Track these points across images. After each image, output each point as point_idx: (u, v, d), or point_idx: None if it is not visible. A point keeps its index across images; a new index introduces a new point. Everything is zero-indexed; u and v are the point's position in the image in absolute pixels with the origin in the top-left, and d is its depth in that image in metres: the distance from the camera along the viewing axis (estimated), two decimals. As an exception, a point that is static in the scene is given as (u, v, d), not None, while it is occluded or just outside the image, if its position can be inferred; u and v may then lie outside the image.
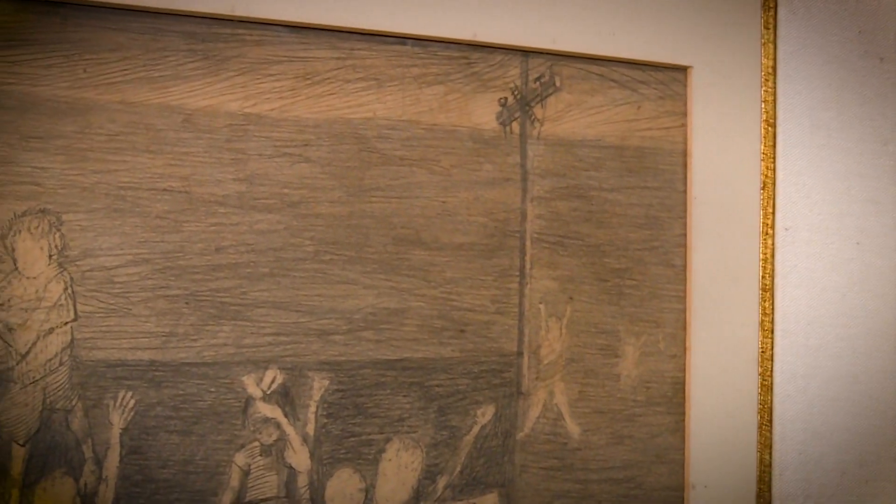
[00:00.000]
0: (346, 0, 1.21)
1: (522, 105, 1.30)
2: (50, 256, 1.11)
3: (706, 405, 1.38)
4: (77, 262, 1.11)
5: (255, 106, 1.18)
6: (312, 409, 1.20)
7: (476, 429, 1.28)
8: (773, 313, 1.39)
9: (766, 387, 1.39)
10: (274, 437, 1.19)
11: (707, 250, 1.38)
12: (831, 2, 1.44)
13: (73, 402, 1.12)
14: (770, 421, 1.38)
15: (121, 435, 1.12)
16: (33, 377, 1.10)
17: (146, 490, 1.13)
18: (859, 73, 1.44)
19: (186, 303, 1.15)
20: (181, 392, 1.15)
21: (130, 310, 1.13)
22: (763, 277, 1.39)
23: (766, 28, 1.40)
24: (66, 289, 1.12)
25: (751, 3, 1.42)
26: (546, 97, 1.31)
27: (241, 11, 1.15)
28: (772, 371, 1.39)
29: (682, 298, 1.37)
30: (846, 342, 1.44)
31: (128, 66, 1.13)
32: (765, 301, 1.38)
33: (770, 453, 1.38)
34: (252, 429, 1.18)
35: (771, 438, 1.38)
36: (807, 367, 1.42)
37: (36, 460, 1.10)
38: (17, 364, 1.10)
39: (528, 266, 1.30)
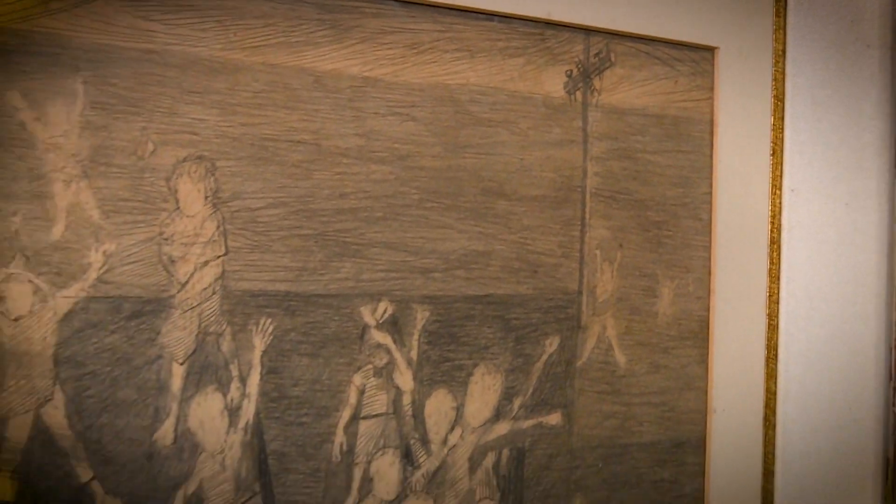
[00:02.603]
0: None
1: (584, 77, 1.61)
2: (206, 198, 1.37)
3: (725, 340, 1.71)
4: (228, 204, 1.38)
5: (372, 70, 1.46)
6: (415, 337, 1.50)
7: (545, 357, 1.59)
8: (779, 262, 1.74)
9: (773, 326, 1.73)
10: (384, 360, 1.48)
11: (728, 207, 1.71)
12: (829, -5, 1.74)
13: (223, 327, 1.38)
14: (776, 356, 1.73)
15: (261, 356, 1.40)
16: (191, 304, 1.36)
17: (281, 405, 1.40)
18: (850, 58, 1.79)
19: (315, 241, 1.42)
20: (311, 320, 1.43)
21: (270, 246, 1.40)
22: (772, 231, 1.74)
23: (778, 16, 1.74)
24: (218, 227, 1.38)
25: (766, -7, 1.73)
26: (603, 70, 1.63)
27: (364, -14, 1.39)
28: (778, 313, 1.74)
29: (707, 248, 1.71)
30: (837, 288, 1.79)
31: (270, 32, 1.40)
32: (773, 252, 1.73)
33: (775, 383, 1.73)
34: (367, 353, 1.46)
35: (776, 370, 1.73)
36: (807, 309, 1.77)
37: (192, 377, 1.36)
38: (178, 292, 1.35)
39: (587, 217, 1.61)
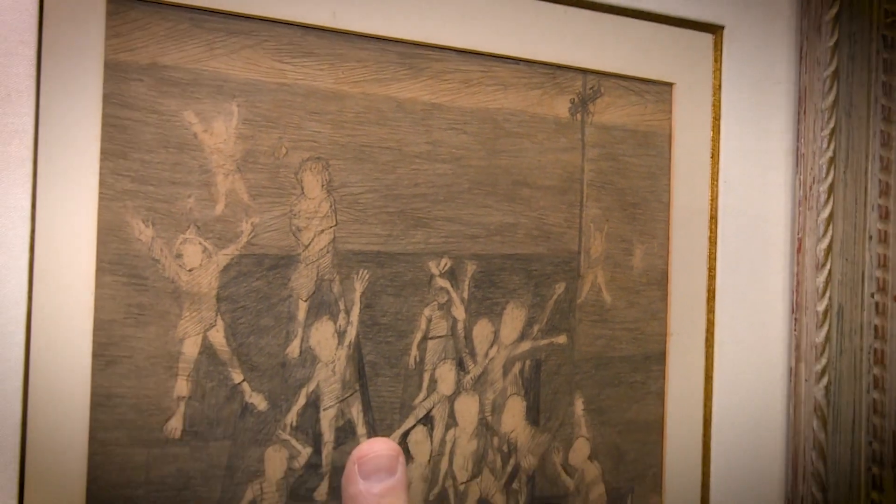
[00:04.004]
0: (489, 34, 1.41)
1: (583, 103, 1.51)
2: (322, 186, 1.29)
3: (678, 285, 1.62)
4: (337, 190, 1.30)
5: (437, 98, 1.37)
6: (466, 282, 1.41)
7: (555, 296, 1.50)
8: (716, 231, 1.63)
9: (712, 276, 1.63)
10: (445, 299, 1.40)
11: (681, 193, 1.61)
12: (751, 47, 1.67)
13: (334, 275, 1.31)
14: (714, 296, 1.63)
15: (360, 296, 1.33)
16: (311, 260, 1.29)
17: (373, 330, 1.33)
18: (766, 91, 1.68)
19: (398, 216, 1.34)
20: (394, 270, 1.35)
21: (367, 220, 1.32)
22: (711, 210, 1.64)
23: (716, 62, 1.63)
24: (331, 206, 1.30)
25: (707, 45, 1.66)
26: (595, 99, 1.53)
27: (431, 40, 1.35)
28: (714, 266, 1.63)
29: (667, 222, 1.61)
30: (755, 248, 1.68)
31: (366, 71, 1.31)
32: (711, 225, 1.63)
33: (713, 314, 1.62)
34: (433, 294, 1.38)
35: (714, 306, 1.63)
36: (734, 263, 1.67)
37: (312, 311, 1.29)
38: (303, 251, 1.28)
39: (584, 200, 1.52)
